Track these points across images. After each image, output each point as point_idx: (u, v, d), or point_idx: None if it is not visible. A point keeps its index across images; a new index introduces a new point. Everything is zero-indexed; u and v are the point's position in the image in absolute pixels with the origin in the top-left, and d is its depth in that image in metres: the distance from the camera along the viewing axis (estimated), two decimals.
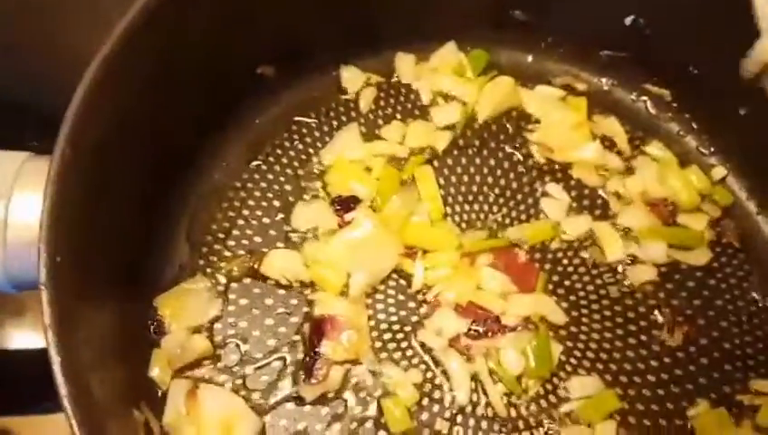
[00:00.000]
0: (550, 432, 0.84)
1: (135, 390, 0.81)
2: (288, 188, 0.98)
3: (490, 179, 1.00)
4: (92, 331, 0.74)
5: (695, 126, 1.07)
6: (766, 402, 0.88)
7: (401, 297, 0.91)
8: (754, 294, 0.96)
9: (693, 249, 0.97)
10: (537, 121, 1.06)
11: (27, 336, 1.03)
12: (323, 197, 0.97)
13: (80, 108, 0.72)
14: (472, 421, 0.84)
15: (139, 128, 0.82)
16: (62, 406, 0.62)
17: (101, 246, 0.78)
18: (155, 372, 0.84)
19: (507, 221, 0.97)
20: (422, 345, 0.88)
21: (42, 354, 0.64)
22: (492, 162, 1.02)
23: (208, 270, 0.91)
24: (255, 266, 0.91)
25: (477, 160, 1.02)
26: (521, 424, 0.85)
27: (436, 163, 1.01)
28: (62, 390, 0.63)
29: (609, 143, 1.05)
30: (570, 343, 0.90)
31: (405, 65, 1.08)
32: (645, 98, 1.10)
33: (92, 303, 0.75)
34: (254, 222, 0.95)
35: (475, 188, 0.99)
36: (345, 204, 0.95)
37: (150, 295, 0.87)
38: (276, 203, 0.97)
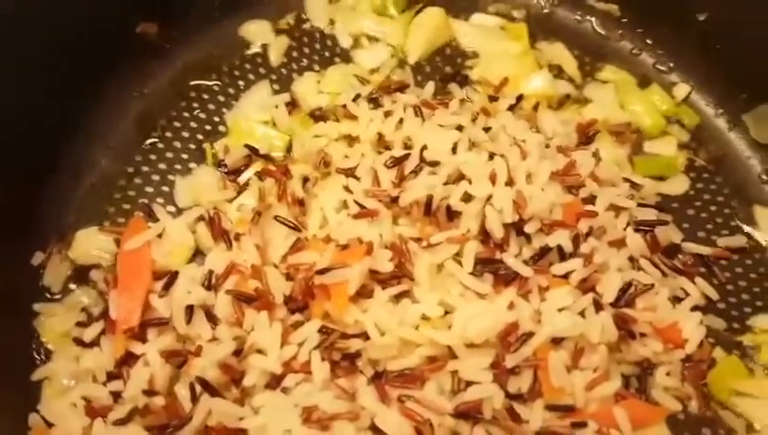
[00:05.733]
0: None
1: None
2: (193, 165, 0.82)
3: None
4: None
5: (649, 42, 0.95)
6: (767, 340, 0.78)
7: None
8: (738, 222, 0.85)
9: (668, 178, 0.86)
10: (475, 56, 0.93)
11: None
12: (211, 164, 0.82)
13: None
14: None
15: None
16: None
17: None
18: None
19: None
20: None
21: None
22: None
23: None
24: None
25: None
26: None
27: None
28: None
29: (557, 72, 0.92)
30: None
31: (316, 7, 0.93)
32: (591, 17, 0.97)
33: None
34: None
35: None
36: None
37: None
38: None
